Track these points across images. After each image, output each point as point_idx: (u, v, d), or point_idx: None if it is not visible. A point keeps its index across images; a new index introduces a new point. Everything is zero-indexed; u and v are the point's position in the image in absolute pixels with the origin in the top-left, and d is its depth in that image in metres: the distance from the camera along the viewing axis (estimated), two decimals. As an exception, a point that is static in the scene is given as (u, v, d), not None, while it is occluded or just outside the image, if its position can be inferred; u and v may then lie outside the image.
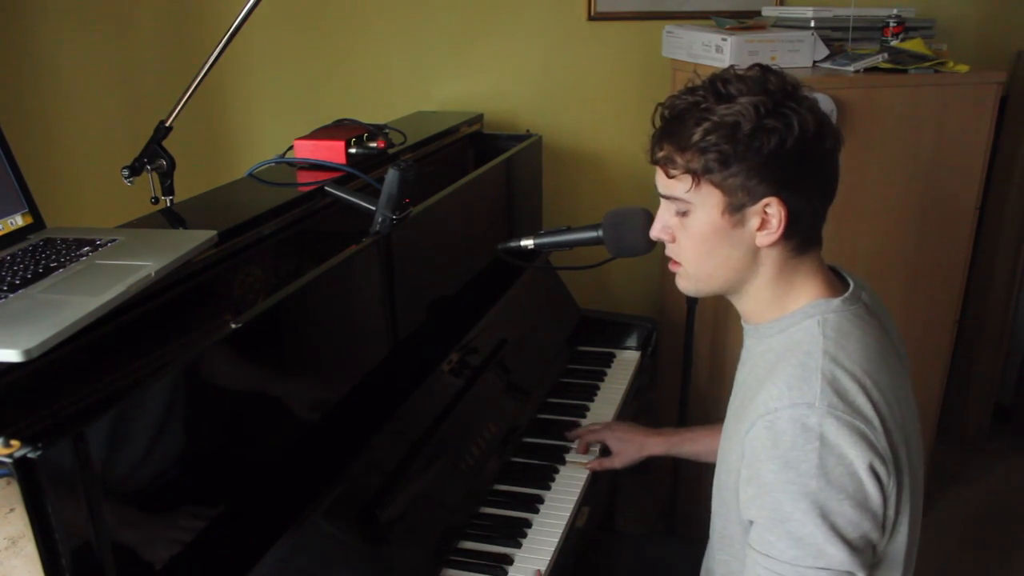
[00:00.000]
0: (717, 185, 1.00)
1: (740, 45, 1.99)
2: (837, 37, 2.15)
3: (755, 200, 1.00)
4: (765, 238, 1.02)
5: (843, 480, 0.94)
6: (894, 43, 2.14)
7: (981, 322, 2.85)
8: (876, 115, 2.02)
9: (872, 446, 0.95)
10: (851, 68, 2.01)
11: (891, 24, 2.15)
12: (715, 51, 2.04)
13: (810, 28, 2.11)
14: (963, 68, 2.05)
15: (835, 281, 1.10)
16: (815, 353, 1.00)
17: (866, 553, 0.98)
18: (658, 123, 1.06)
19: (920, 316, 2.26)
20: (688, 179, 1.01)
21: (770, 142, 0.96)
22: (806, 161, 0.99)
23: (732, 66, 1.05)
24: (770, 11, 2.32)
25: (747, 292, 1.09)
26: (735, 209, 1.01)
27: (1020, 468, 2.85)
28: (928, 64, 2.05)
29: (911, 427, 1.06)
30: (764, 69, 1.02)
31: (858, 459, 0.94)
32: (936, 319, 2.29)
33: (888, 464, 0.97)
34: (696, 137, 0.99)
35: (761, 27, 2.14)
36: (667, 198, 1.07)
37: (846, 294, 1.07)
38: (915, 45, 2.11)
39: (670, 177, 1.03)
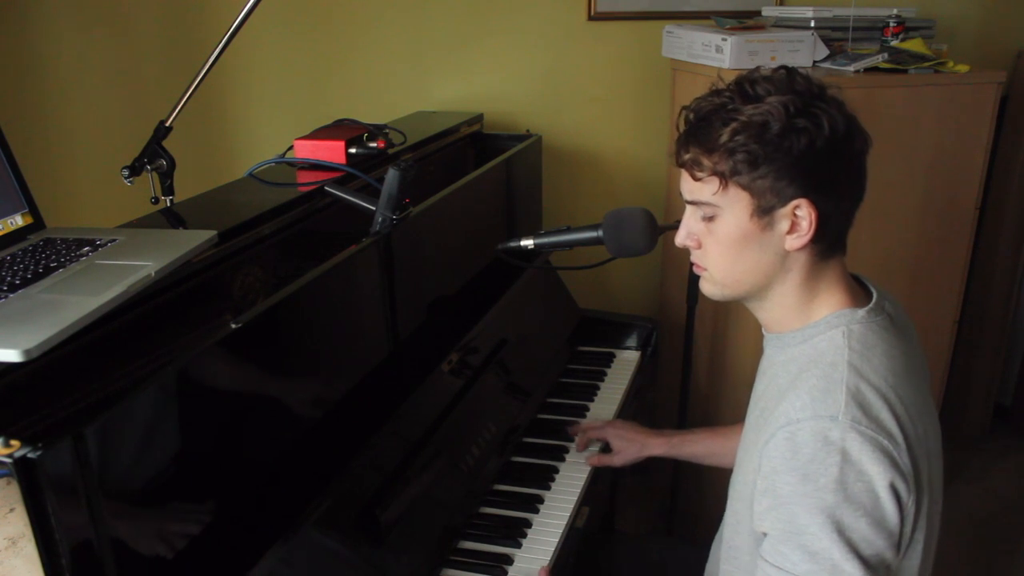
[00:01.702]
0: (745, 187, 0.98)
1: (740, 45, 1.99)
2: (837, 37, 2.15)
3: (784, 202, 0.98)
4: (795, 241, 1.00)
5: (861, 497, 0.93)
6: (894, 43, 2.14)
7: (981, 322, 2.85)
8: (876, 115, 2.01)
9: (895, 463, 0.94)
10: (851, 68, 2.01)
11: (891, 24, 2.15)
12: (715, 51, 2.04)
13: (810, 28, 2.11)
14: (963, 68, 2.05)
15: (858, 290, 1.09)
16: (840, 365, 0.98)
17: (879, 571, 0.96)
18: (683, 126, 1.04)
19: (920, 316, 2.24)
20: (715, 182, 0.99)
21: (800, 142, 0.95)
22: (836, 162, 0.98)
23: (758, 68, 1.03)
24: (770, 11, 2.32)
25: (772, 298, 1.07)
26: (764, 212, 0.99)
27: (1020, 468, 2.85)
28: (928, 64, 2.05)
29: (933, 441, 1.05)
30: (790, 71, 1.00)
31: (879, 476, 0.93)
32: (936, 319, 2.29)
33: (909, 481, 0.95)
34: (724, 138, 0.97)
35: (761, 27, 2.14)
36: (693, 203, 1.04)
37: (871, 304, 1.05)
38: (915, 45, 2.11)
39: (696, 180, 1.01)
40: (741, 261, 1.03)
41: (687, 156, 1.02)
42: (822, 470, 0.93)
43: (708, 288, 1.10)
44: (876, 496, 0.93)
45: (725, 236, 1.02)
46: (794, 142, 0.95)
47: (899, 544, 0.97)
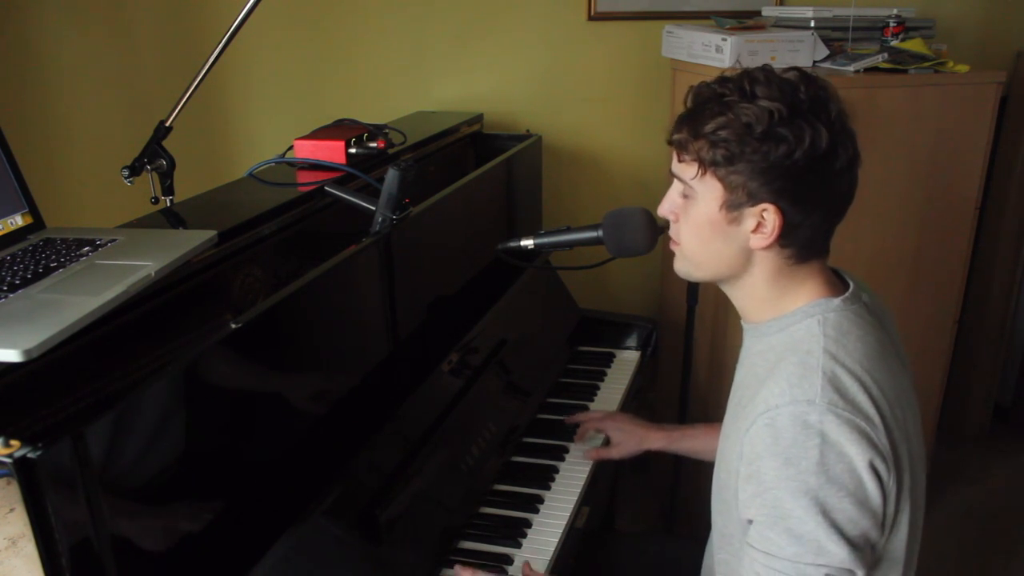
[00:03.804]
0: (720, 179, 1.01)
1: (740, 45, 1.99)
2: (837, 37, 2.15)
3: (754, 202, 1.01)
4: (758, 241, 1.03)
5: (843, 477, 0.94)
6: (894, 43, 2.14)
7: (981, 322, 2.85)
8: (876, 115, 2.01)
9: (872, 443, 0.95)
10: (851, 68, 2.01)
11: (891, 24, 2.15)
12: (715, 51, 2.04)
13: (810, 28, 2.11)
14: (963, 68, 2.05)
15: (836, 282, 1.11)
16: (815, 351, 1.01)
17: (865, 551, 0.98)
18: (686, 105, 1.07)
19: (920, 316, 2.26)
20: (695, 166, 1.03)
21: (778, 150, 0.97)
22: (811, 176, 0.99)
23: (769, 66, 1.04)
24: (770, 11, 2.32)
25: (741, 288, 1.10)
26: (733, 207, 1.02)
27: (1020, 468, 2.85)
28: (928, 64, 2.05)
29: (912, 426, 1.06)
30: (802, 77, 1.01)
31: (858, 456, 0.94)
32: (936, 319, 2.29)
33: (888, 462, 0.97)
34: (709, 128, 1.00)
35: (761, 27, 2.14)
36: (676, 178, 1.08)
37: (846, 294, 1.07)
38: (915, 45, 2.11)
39: (680, 161, 1.05)
40: (707, 246, 1.07)
41: (677, 136, 1.05)
42: (803, 453, 0.95)
43: (677, 265, 1.14)
44: (858, 476, 0.95)
45: (696, 219, 1.06)
46: (772, 149, 0.97)
47: (883, 524, 0.99)
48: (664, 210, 1.12)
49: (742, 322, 1.16)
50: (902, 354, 1.15)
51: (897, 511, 1.00)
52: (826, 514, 0.94)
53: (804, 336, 1.04)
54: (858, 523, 0.96)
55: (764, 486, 0.98)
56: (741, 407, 1.08)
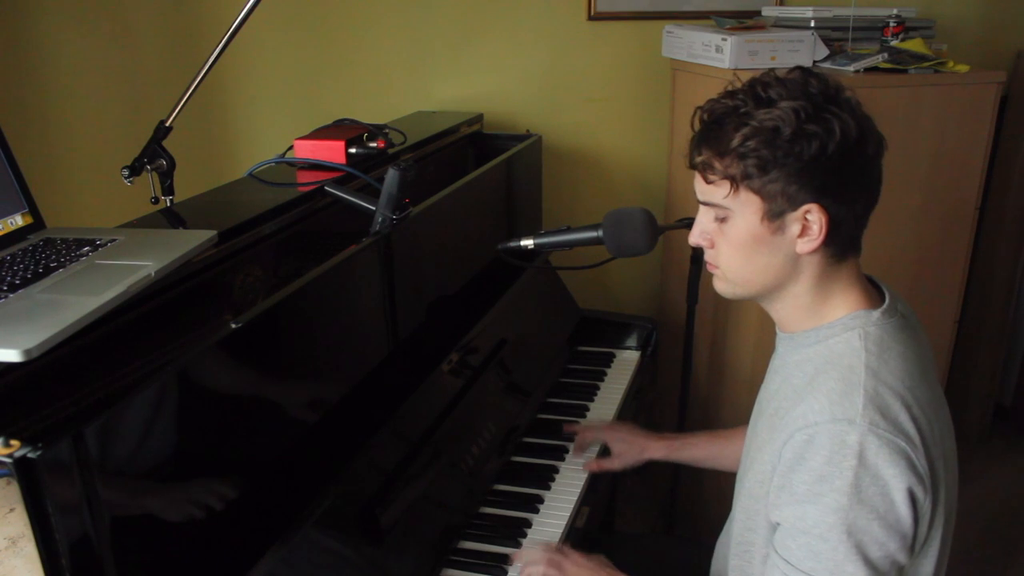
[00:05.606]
0: (756, 191, 0.98)
1: (740, 45, 1.99)
2: (837, 37, 2.15)
3: (795, 206, 0.98)
4: (806, 245, 1.00)
5: (875, 500, 0.93)
6: (894, 43, 2.14)
7: (981, 322, 2.85)
8: (876, 115, 1.99)
9: (912, 466, 0.94)
10: (851, 68, 2.01)
11: (891, 24, 2.15)
12: (715, 51, 2.04)
13: (810, 28, 2.11)
14: (963, 68, 2.05)
15: (871, 290, 1.09)
16: (857, 368, 0.98)
17: (889, 573, 0.96)
18: (697, 127, 1.04)
19: (921, 316, 2.24)
20: (727, 185, 0.99)
21: (811, 148, 0.95)
22: (848, 167, 0.97)
23: (772, 70, 1.02)
24: (770, 11, 2.32)
25: (784, 299, 1.07)
26: (775, 216, 0.99)
27: (1020, 468, 2.85)
28: (928, 64, 2.05)
29: (948, 441, 1.05)
30: (805, 72, 1.00)
31: (895, 479, 0.93)
32: (936, 319, 2.28)
33: (926, 483, 0.95)
34: (735, 142, 0.97)
35: (761, 27, 2.14)
36: (706, 204, 1.05)
37: (884, 306, 1.05)
38: (915, 45, 2.12)
39: (708, 183, 1.02)
40: (752, 262, 1.04)
41: (699, 159, 1.02)
42: (837, 473, 0.93)
43: (721, 287, 1.10)
44: (891, 500, 0.93)
45: (736, 238, 1.03)
46: (805, 148, 0.95)
47: (913, 546, 0.97)
48: (696, 238, 1.08)
49: (778, 330, 1.14)
50: (934, 362, 1.13)
51: (931, 529, 0.99)
52: (851, 534, 0.93)
53: (845, 350, 1.01)
54: (884, 545, 0.94)
55: (795, 498, 0.97)
56: (778, 418, 1.05)
